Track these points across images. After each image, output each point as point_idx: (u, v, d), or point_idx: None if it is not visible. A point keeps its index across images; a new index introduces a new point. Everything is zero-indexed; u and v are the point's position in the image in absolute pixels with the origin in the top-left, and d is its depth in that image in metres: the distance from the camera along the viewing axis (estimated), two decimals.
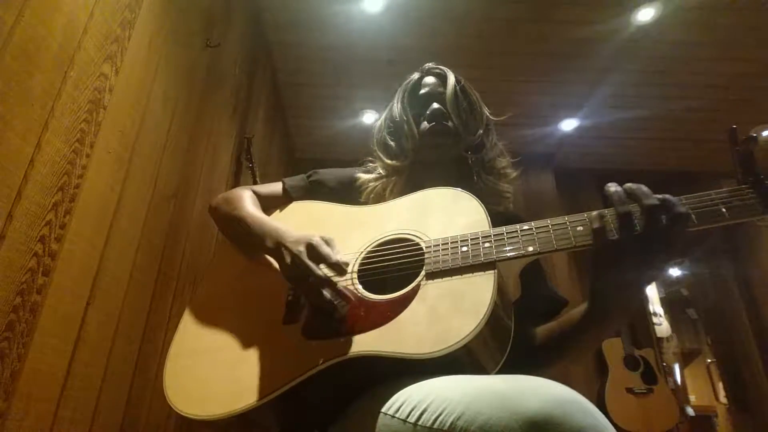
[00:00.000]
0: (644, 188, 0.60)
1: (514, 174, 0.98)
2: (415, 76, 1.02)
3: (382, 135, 1.01)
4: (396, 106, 0.99)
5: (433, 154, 0.94)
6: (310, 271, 0.70)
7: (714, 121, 3.17)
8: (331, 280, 0.70)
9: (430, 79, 1.00)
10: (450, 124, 0.93)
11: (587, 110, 3.14)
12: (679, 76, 2.83)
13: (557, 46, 2.63)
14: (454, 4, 2.38)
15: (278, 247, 0.77)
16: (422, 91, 0.98)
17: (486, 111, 1.00)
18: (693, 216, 0.59)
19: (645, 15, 2.40)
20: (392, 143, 0.98)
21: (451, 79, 0.97)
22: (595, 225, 0.61)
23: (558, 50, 2.66)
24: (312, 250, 0.71)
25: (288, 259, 0.73)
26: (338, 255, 0.72)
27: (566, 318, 0.79)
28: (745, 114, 3.08)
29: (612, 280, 0.64)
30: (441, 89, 0.97)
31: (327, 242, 0.73)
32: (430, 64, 1.03)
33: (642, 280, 0.63)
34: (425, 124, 0.94)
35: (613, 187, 0.62)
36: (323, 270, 0.71)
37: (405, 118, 0.96)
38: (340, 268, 0.70)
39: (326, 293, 0.70)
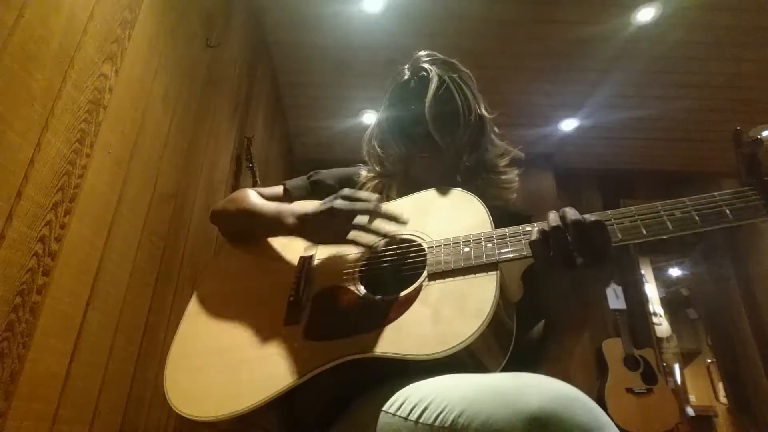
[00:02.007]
0: (570, 212, 0.62)
1: (515, 172, 0.96)
2: (403, 75, 0.96)
3: (370, 144, 0.99)
4: (382, 114, 0.97)
5: (420, 165, 0.93)
6: (352, 209, 0.74)
7: (714, 121, 3.17)
8: (373, 205, 0.75)
9: (413, 84, 0.93)
10: (435, 135, 0.88)
11: (587, 110, 3.14)
12: (679, 76, 2.83)
13: (557, 46, 2.63)
14: (454, 4, 2.39)
15: (304, 218, 0.79)
16: (404, 98, 0.94)
17: (479, 110, 0.94)
18: (617, 229, 0.62)
19: (645, 15, 2.40)
20: (381, 152, 0.97)
21: (433, 85, 0.89)
22: (533, 238, 0.63)
23: (558, 50, 2.66)
24: (345, 198, 0.76)
25: (322, 218, 0.76)
26: (370, 196, 0.77)
27: (537, 328, 0.79)
28: (745, 114, 3.08)
29: (552, 293, 0.67)
30: (423, 98, 0.89)
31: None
32: (420, 62, 0.95)
33: (579, 292, 0.65)
34: (405, 134, 0.93)
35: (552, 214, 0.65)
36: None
37: (389, 129, 0.95)
38: (376, 209, 0.74)
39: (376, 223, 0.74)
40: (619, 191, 3.72)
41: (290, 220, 0.80)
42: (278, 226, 0.83)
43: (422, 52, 0.98)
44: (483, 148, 0.94)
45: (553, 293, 0.67)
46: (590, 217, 0.61)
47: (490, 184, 0.94)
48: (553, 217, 0.62)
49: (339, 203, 0.75)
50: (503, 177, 0.95)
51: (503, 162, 0.96)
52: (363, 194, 0.77)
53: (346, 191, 0.77)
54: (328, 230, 0.76)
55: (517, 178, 0.96)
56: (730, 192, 0.60)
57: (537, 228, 0.63)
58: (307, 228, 0.79)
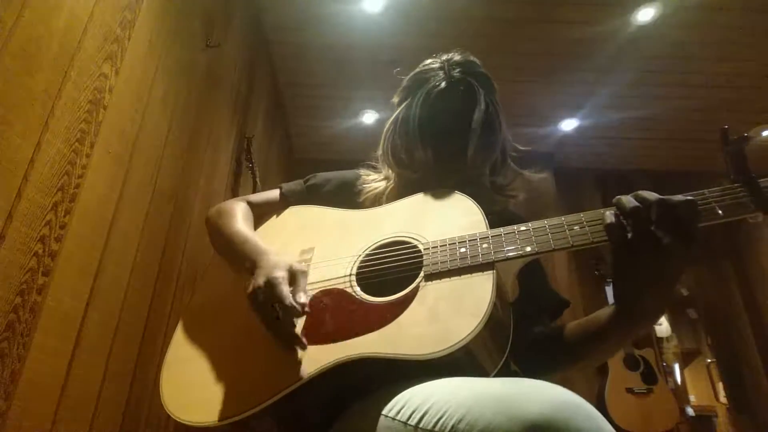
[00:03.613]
0: (647, 192, 0.61)
1: (521, 197, 0.95)
2: (439, 83, 0.88)
3: (393, 141, 0.93)
4: (413, 115, 0.89)
5: (436, 176, 0.89)
6: (258, 309, 0.68)
7: (714, 121, 3.17)
8: (273, 324, 0.68)
9: (458, 98, 0.88)
10: (470, 156, 0.86)
11: (587, 110, 3.14)
12: (679, 76, 2.83)
13: (557, 46, 2.63)
14: (454, 4, 2.39)
15: (253, 269, 0.75)
16: (445, 107, 0.88)
17: (505, 132, 0.93)
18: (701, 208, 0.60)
19: (645, 15, 2.40)
20: (403, 154, 0.92)
21: (481, 106, 0.86)
22: (608, 222, 0.61)
23: (558, 50, 2.66)
24: (269, 288, 0.68)
25: (249, 289, 0.71)
26: (298, 296, 0.68)
27: (590, 319, 0.76)
28: (744, 114, 3.08)
29: (631, 279, 0.63)
30: (468, 117, 0.86)
31: (294, 275, 0.70)
32: (460, 67, 0.90)
33: (662, 277, 0.61)
34: (439, 147, 0.87)
35: (623, 197, 0.62)
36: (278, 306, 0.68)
37: (421, 133, 0.88)
38: (292, 312, 0.66)
39: (275, 332, 0.68)
40: (619, 191, 3.69)
41: (247, 264, 0.78)
42: (239, 263, 0.81)
43: (458, 56, 0.92)
44: (499, 173, 0.94)
45: (632, 280, 0.63)
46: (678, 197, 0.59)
47: (491, 200, 0.92)
48: (628, 199, 0.61)
49: (261, 298, 0.68)
50: (501, 198, 0.95)
51: (512, 187, 0.96)
52: (283, 293, 0.67)
53: (273, 281, 0.68)
54: (248, 298, 0.71)
55: (509, 202, 0.95)
56: (719, 189, 0.61)
57: (610, 212, 0.62)
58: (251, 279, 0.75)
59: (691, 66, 2.75)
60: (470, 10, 2.41)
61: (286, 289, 0.67)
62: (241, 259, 0.81)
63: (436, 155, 0.88)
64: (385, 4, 2.37)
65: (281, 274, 0.69)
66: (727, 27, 2.47)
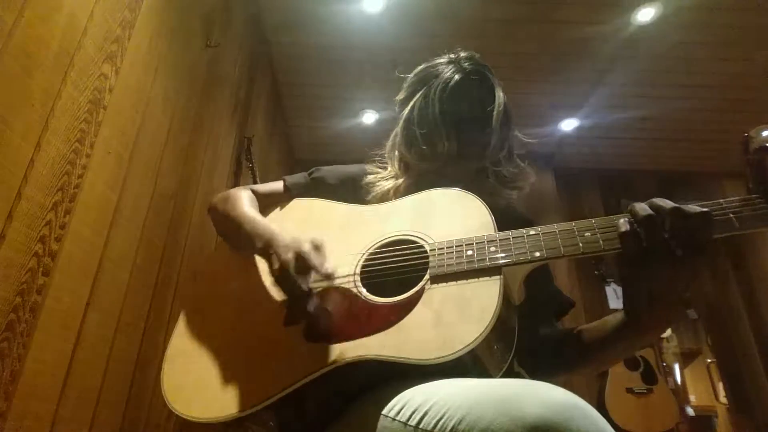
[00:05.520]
0: (662, 201, 0.60)
1: (527, 189, 0.96)
2: (455, 74, 0.90)
3: (411, 134, 0.92)
4: (431, 106, 0.90)
5: (454, 167, 0.91)
6: (294, 283, 0.68)
7: (714, 121, 3.17)
8: (311, 295, 0.69)
9: (476, 88, 0.90)
10: (493, 144, 0.88)
11: (587, 110, 3.14)
12: (679, 76, 2.83)
13: (557, 46, 2.63)
14: (454, 4, 2.39)
15: (266, 250, 0.75)
16: (466, 101, 0.89)
17: (513, 125, 0.95)
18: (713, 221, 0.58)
19: (645, 15, 2.40)
20: (424, 145, 0.91)
21: (500, 97, 0.89)
22: (622, 230, 0.60)
23: (558, 50, 2.66)
24: (300, 260, 0.69)
25: (275, 265, 0.71)
26: (327, 264, 0.69)
27: (599, 324, 0.76)
28: (745, 114, 3.08)
29: (641, 289, 0.63)
30: (488, 107, 0.88)
31: (317, 248, 0.71)
32: (470, 64, 0.92)
33: (673, 287, 0.61)
34: (461, 136, 0.89)
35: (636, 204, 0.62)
36: (311, 279, 0.69)
37: (444, 123, 0.89)
38: (328, 277, 0.69)
39: (309, 306, 0.69)
40: (619, 191, 3.72)
41: (259, 244, 0.78)
42: (250, 245, 0.81)
43: (464, 53, 0.94)
44: (506, 165, 0.95)
45: (642, 290, 0.63)
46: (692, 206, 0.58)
47: (494, 192, 0.93)
48: (642, 207, 0.59)
49: (292, 269, 0.68)
50: (508, 191, 0.94)
51: (518, 177, 0.96)
52: (317, 262, 0.69)
53: (303, 254, 0.69)
54: (275, 277, 0.72)
55: (515, 194, 0.95)
56: (737, 199, 0.59)
57: (624, 219, 0.61)
58: (268, 257, 0.75)
59: (691, 66, 2.75)
60: (470, 10, 2.41)
61: (319, 259, 0.69)
62: (250, 239, 0.81)
63: (459, 144, 0.89)
64: (384, 4, 2.37)
65: (308, 247, 0.70)
66: (727, 27, 2.47)
